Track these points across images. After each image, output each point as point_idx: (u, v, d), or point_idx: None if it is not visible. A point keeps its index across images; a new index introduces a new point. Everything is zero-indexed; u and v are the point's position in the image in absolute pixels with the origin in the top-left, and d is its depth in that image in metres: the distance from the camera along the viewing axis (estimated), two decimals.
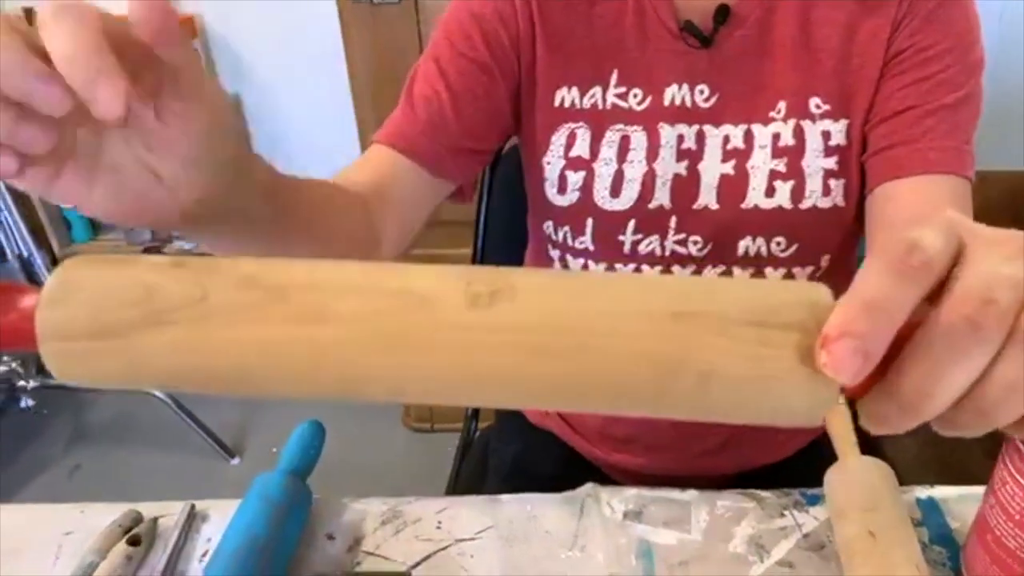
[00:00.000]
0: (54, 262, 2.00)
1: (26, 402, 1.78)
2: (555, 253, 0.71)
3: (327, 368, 0.26)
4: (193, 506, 0.61)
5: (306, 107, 1.97)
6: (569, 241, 0.67)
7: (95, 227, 2.04)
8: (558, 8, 0.64)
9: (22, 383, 1.75)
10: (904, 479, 0.61)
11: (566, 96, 0.65)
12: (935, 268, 0.24)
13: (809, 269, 0.65)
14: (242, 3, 1.84)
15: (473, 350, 0.26)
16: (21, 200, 1.88)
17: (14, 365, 1.72)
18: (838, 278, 0.63)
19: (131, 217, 0.36)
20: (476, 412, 1.04)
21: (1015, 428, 0.25)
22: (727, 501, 0.60)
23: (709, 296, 0.27)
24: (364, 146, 1.67)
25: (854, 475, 0.56)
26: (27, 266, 1.95)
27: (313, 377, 0.27)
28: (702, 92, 0.63)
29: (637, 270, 0.67)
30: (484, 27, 0.64)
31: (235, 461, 1.77)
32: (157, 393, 1.76)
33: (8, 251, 1.92)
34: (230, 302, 0.27)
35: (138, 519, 0.60)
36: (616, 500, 0.60)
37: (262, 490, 0.58)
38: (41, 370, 1.98)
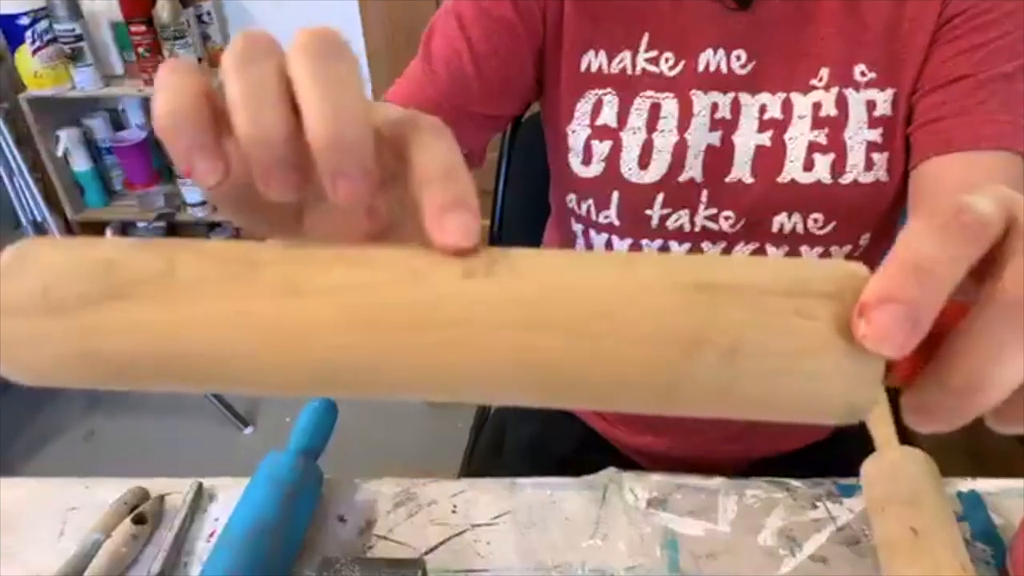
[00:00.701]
0: (68, 228, 1.99)
1: None
2: (578, 227, 0.68)
3: (305, 348, 0.23)
4: (200, 484, 0.59)
5: None
6: (593, 215, 0.64)
7: (108, 193, 2.02)
8: None
9: None
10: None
11: (593, 61, 0.61)
12: (988, 231, 0.21)
13: (847, 248, 0.61)
14: None
15: (469, 325, 0.22)
16: (35, 165, 1.87)
17: None
18: (878, 259, 0.59)
19: (318, 235, 0.30)
20: None
21: None
22: (756, 490, 0.57)
23: (734, 269, 0.23)
24: None
25: (894, 467, 0.53)
26: (41, 232, 1.94)
27: (290, 357, 0.23)
28: (739, 58, 0.59)
29: (664, 247, 0.63)
30: None
31: (248, 431, 1.76)
32: None
33: (23, 217, 1.91)
34: (199, 275, 0.23)
35: (144, 496, 0.58)
36: (639, 487, 0.58)
37: (271, 470, 0.56)
38: None
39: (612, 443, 0.78)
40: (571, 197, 0.66)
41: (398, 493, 0.59)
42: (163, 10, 1.65)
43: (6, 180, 1.87)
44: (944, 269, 0.20)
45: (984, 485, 0.57)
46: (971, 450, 0.96)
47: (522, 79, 0.63)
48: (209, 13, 1.79)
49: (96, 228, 2.03)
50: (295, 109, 0.23)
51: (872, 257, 0.62)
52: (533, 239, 0.81)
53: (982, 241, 0.21)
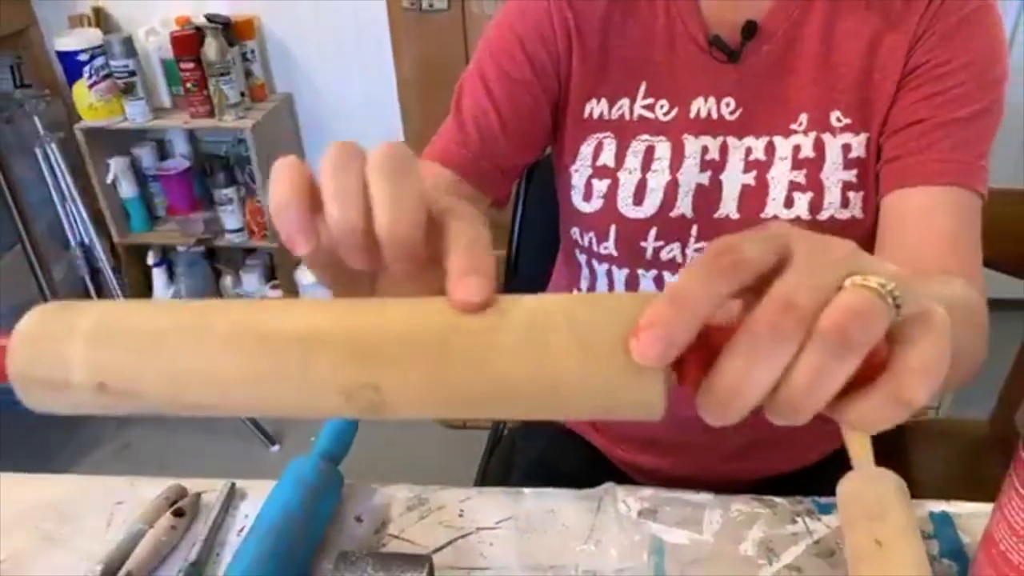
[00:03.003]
0: (113, 250, 2.09)
1: None
2: (582, 258, 0.73)
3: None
4: (233, 484, 0.66)
5: (356, 107, 2.03)
6: (594, 246, 0.70)
7: (152, 218, 2.13)
8: (594, 25, 0.66)
9: None
10: (931, 494, 0.62)
11: (595, 108, 0.67)
12: (744, 270, 0.27)
13: None
14: (298, 6, 1.90)
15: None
16: (84, 190, 1.98)
17: None
18: None
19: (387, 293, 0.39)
20: None
21: (834, 412, 0.27)
22: (741, 505, 0.62)
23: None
24: (410, 145, 1.71)
25: (865, 485, 0.57)
26: (88, 253, 2.05)
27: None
28: (728, 105, 0.65)
29: (659, 277, 0.69)
30: (526, 47, 0.67)
31: (275, 448, 1.83)
32: None
33: (71, 238, 2.02)
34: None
35: (183, 493, 0.65)
36: (632, 498, 0.63)
37: (297, 472, 0.62)
38: None
39: (614, 462, 0.83)
40: (575, 230, 0.72)
41: (411, 498, 0.64)
42: (211, 49, 1.76)
43: (58, 204, 1.99)
44: (697, 301, 0.26)
45: (957, 507, 0.61)
46: (972, 477, 0.99)
47: (542, 130, 0.70)
48: (253, 51, 1.90)
49: (139, 251, 2.13)
50: (369, 208, 0.31)
51: None
52: (545, 267, 0.87)
53: (737, 279, 0.27)
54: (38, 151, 1.91)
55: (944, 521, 0.59)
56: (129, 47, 1.83)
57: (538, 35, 0.67)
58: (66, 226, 2.02)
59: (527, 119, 0.68)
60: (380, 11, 1.47)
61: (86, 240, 2.02)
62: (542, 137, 0.71)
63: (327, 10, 1.89)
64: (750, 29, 0.63)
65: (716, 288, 0.26)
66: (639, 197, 0.66)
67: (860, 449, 0.60)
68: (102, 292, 2.09)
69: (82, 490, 0.67)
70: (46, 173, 1.93)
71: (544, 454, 0.85)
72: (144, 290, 2.19)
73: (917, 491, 0.62)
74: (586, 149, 0.68)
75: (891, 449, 1.02)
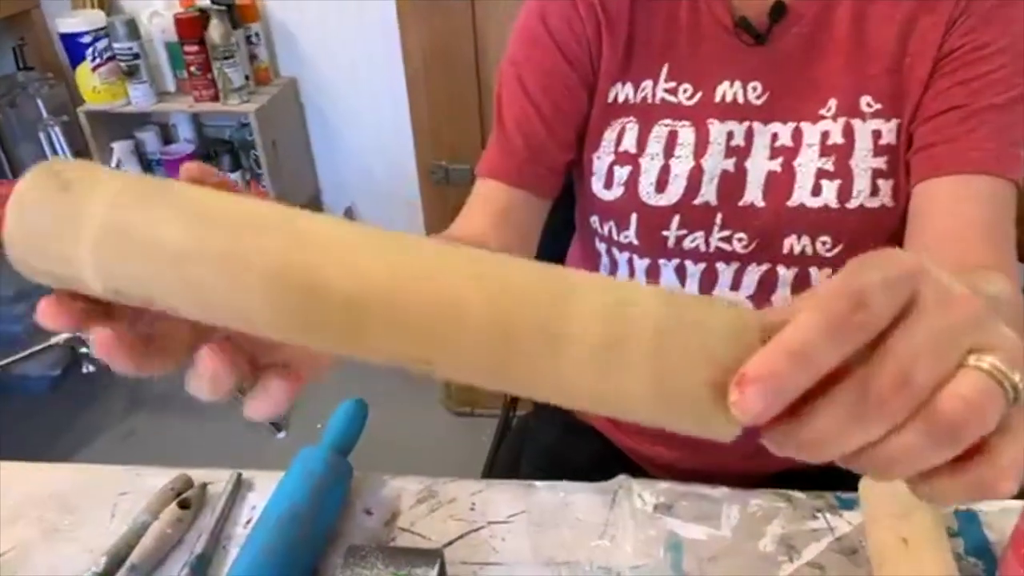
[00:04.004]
0: None
1: (87, 368, 1.86)
2: (601, 246, 0.72)
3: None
4: (240, 475, 0.64)
5: (361, 92, 2.00)
6: (615, 235, 0.68)
7: None
8: (622, 8, 0.64)
9: (85, 349, 1.83)
10: None
11: (620, 92, 0.66)
12: (873, 326, 0.24)
13: None
14: None
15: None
16: None
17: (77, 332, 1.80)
18: None
19: None
20: (515, 398, 1.06)
21: (913, 482, 0.26)
22: (759, 500, 0.60)
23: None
24: (416, 130, 1.70)
25: (890, 482, 0.56)
26: None
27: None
28: (755, 89, 0.63)
29: (681, 266, 0.67)
30: (557, 39, 0.65)
31: (281, 435, 1.82)
32: None
33: None
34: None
35: (188, 484, 0.63)
36: (648, 492, 0.61)
37: (305, 463, 0.61)
38: None
39: (627, 454, 0.81)
40: (594, 218, 0.70)
41: (421, 490, 0.63)
42: (215, 31, 1.74)
43: None
44: (823, 360, 0.23)
45: (984, 504, 0.59)
46: None
47: (583, 119, 0.68)
48: (257, 34, 1.88)
49: None
50: None
51: None
52: (558, 256, 0.85)
53: (865, 338, 0.24)
54: (41, 135, 1.89)
55: (969, 519, 0.58)
56: (133, 29, 1.80)
57: (567, 25, 0.65)
58: None
59: (568, 113, 0.67)
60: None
61: None
62: (584, 125, 0.69)
63: None
64: (779, 10, 0.61)
65: (844, 348, 0.23)
66: (662, 184, 0.64)
67: None
68: None
69: (85, 480, 0.66)
70: (49, 156, 1.92)
71: (556, 445, 0.83)
72: None
73: None
74: (609, 135, 0.66)
75: None
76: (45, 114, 1.87)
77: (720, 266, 0.67)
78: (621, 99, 0.66)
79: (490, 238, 0.64)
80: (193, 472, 0.65)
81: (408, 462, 0.77)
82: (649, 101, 0.65)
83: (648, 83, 0.65)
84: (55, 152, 1.91)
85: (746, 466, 0.74)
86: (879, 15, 0.60)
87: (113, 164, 1.99)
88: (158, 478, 0.64)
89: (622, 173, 0.65)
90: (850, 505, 0.59)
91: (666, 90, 0.64)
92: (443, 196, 1.59)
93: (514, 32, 0.69)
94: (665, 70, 0.64)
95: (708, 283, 0.67)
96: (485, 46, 1.42)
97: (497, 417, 1.05)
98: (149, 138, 2.04)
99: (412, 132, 1.68)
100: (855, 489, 0.59)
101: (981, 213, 0.58)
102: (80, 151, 1.94)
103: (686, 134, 0.64)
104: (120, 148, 1.98)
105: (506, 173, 0.67)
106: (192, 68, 1.80)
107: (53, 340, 1.79)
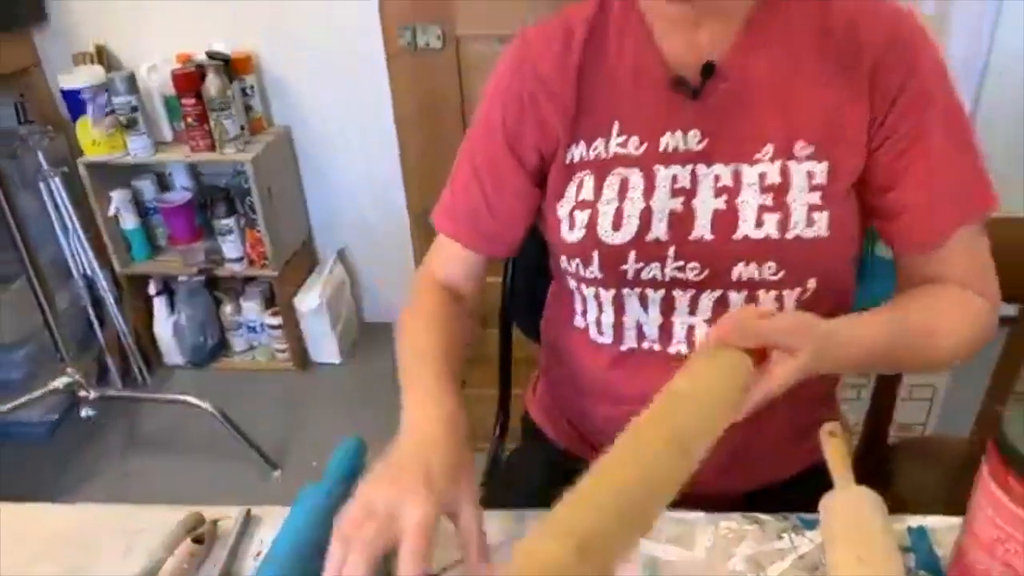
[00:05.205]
0: (115, 280, 2.13)
1: (86, 412, 1.89)
2: (572, 283, 0.78)
3: None
4: (249, 510, 0.69)
5: (352, 139, 2.08)
6: (581, 271, 0.74)
7: (153, 248, 2.17)
8: (567, 81, 0.73)
9: (83, 393, 1.86)
10: (917, 509, 0.66)
11: (575, 153, 0.73)
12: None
13: (797, 291, 0.71)
14: (295, 43, 1.96)
15: None
16: (87, 222, 2.02)
17: (78, 377, 1.84)
18: (825, 297, 0.70)
19: None
20: (503, 432, 1.11)
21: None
22: (730, 523, 0.66)
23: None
24: (406, 176, 1.77)
25: (846, 503, 0.61)
26: (90, 284, 2.09)
27: None
28: (695, 136, 0.70)
29: (643, 294, 0.73)
30: (509, 138, 0.76)
31: (276, 473, 1.85)
32: (206, 406, 1.86)
33: (75, 270, 2.06)
34: None
35: (200, 521, 0.68)
36: None
37: (310, 499, 0.65)
38: (101, 381, 2.11)
39: None
40: (563, 259, 0.76)
41: None
42: (212, 86, 1.81)
43: (61, 236, 2.02)
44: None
45: (934, 522, 0.65)
46: (954, 493, 1.02)
47: (525, 207, 0.79)
48: (252, 86, 1.96)
49: (141, 280, 2.17)
50: None
51: (819, 298, 0.71)
52: (538, 296, 0.92)
53: None
54: (41, 185, 1.95)
55: (921, 536, 0.63)
56: (131, 84, 1.88)
57: (518, 124, 0.76)
58: (69, 257, 2.05)
59: (511, 199, 0.78)
60: (377, 47, 1.52)
61: (89, 271, 2.06)
62: (526, 214, 0.79)
63: (323, 46, 1.95)
64: (708, 69, 0.69)
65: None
66: (617, 224, 0.71)
67: (840, 466, 0.64)
68: (104, 322, 2.12)
69: (99, 518, 0.70)
70: (49, 206, 1.97)
71: (543, 475, 0.88)
72: (146, 319, 2.22)
73: (903, 507, 0.66)
74: (570, 189, 0.73)
75: (879, 466, 1.06)
76: (45, 165, 1.93)
77: (677, 293, 0.73)
78: (577, 158, 0.73)
79: (463, 287, 0.82)
80: (204, 509, 0.69)
81: None
82: (603, 156, 0.72)
83: (600, 141, 0.72)
84: (55, 201, 1.96)
85: (714, 485, 0.79)
86: (805, 92, 0.68)
87: (111, 212, 2.04)
88: (171, 515, 0.68)
89: (583, 217, 0.72)
90: (812, 525, 0.64)
91: (618, 144, 0.72)
92: (432, 238, 1.65)
93: (477, 110, 0.79)
94: (616, 127, 0.72)
95: (667, 308, 0.73)
96: (470, 95, 1.50)
97: (487, 451, 1.10)
98: (146, 186, 2.10)
99: (402, 177, 1.75)
100: (817, 507, 0.64)
101: (965, 263, 0.71)
102: (79, 200, 1.99)
103: (636, 179, 0.71)
104: (118, 197, 2.04)
105: (454, 234, 0.81)
106: (189, 119, 1.87)
107: (52, 385, 1.82)
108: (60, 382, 1.82)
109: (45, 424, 1.99)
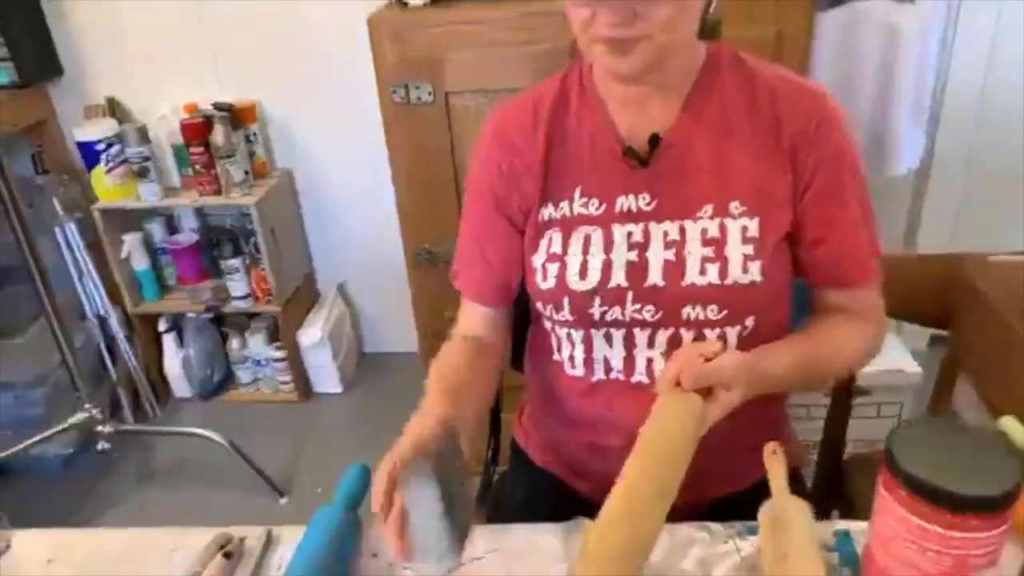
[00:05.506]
0: (127, 319, 2.23)
1: (102, 445, 1.98)
2: (548, 324, 0.90)
3: None
4: (271, 530, 0.80)
5: (351, 182, 2.21)
6: (554, 315, 0.86)
7: (163, 288, 2.28)
8: (536, 151, 0.86)
9: (100, 428, 1.95)
10: (866, 516, 0.76)
11: (546, 212, 0.86)
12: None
13: (737, 328, 0.82)
14: (294, 93, 2.09)
15: None
16: (100, 265, 2.13)
17: (95, 412, 1.93)
18: (763, 332, 0.82)
19: None
20: (495, 457, 1.21)
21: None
22: (687, 532, 0.76)
23: None
24: (402, 217, 1.88)
25: (778, 509, 0.72)
26: (103, 323, 2.19)
27: None
28: (645, 199, 0.82)
29: (608, 333, 0.85)
30: (498, 202, 0.89)
31: (284, 500, 1.95)
32: (218, 439, 1.96)
33: (88, 310, 2.17)
34: None
35: (228, 539, 0.78)
36: None
37: (324, 520, 0.76)
38: (113, 415, 2.21)
39: (586, 497, 0.97)
40: (539, 304, 0.88)
41: None
42: (218, 135, 1.94)
43: (75, 279, 2.14)
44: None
45: (859, 525, 0.76)
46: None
47: (519, 246, 0.90)
48: (255, 134, 2.08)
49: (151, 319, 2.28)
50: None
51: (757, 333, 0.83)
52: (522, 333, 1.03)
53: None
54: (57, 230, 2.06)
55: (845, 537, 0.74)
56: (143, 135, 2.00)
57: (503, 188, 0.89)
58: (83, 298, 2.16)
59: (505, 249, 0.91)
60: (372, 100, 1.63)
61: (102, 311, 2.17)
62: (520, 256, 0.90)
63: (322, 96, 2.08)
64: (654, 141, 0.81)
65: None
66: (583, 274, 0.83)
67: (777, 479, 0.75)
68: (116, 359, 2.22)
69: (140, 540, 0.81)
70: (64, 250, 2.09)
71: (529, 498, 0.99)
72: (156, 354, 2.32)
73: (856, 513, 0.76)
74: (543, 244, 0.86)
75: (834, 478, 1.16)
76: (61, 212, 2.04)
77: (636, 331, 0.84)
78: (547, 217, 0.86)
79: (486, 338, 0.95)
80: (231, 529, 0.80)
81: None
82: (568, 216, 0.84)
83: (565, 203, 0.85)
84: (70, 245, 2.07)
85: (682, 498, 0.90)
86: (735, 162, 0.81)
87: (124, 255, 2.16)
88: (203, 536, 0.79)
89: (553, 268, 0.84)
90: (755, 531, 0.75)
91: (580, 205, 0.84)
92: (428, 275, 1.76)
93: (468, 178, 0.92)
94: (578, 191, 0.84)
95: (629, 344, 0.85)
96: (459, 142, 1.62)
97: (480, 474, 1.20)
98: (156, 229, 2.22)
99: (398, 218, 1.86)
100: None
101: (860, 304, 0.88)
102: (93, 244, 2.11)
103: (597, 236, 0.83)
104: (130, 240, 2.15)
105: (466, 292, 0.95)
106: (197, 166, 2.00)
107: (71, 420, 1.92)
108: (78, 417, 1.92)
109: (60, 457, 2.08)
